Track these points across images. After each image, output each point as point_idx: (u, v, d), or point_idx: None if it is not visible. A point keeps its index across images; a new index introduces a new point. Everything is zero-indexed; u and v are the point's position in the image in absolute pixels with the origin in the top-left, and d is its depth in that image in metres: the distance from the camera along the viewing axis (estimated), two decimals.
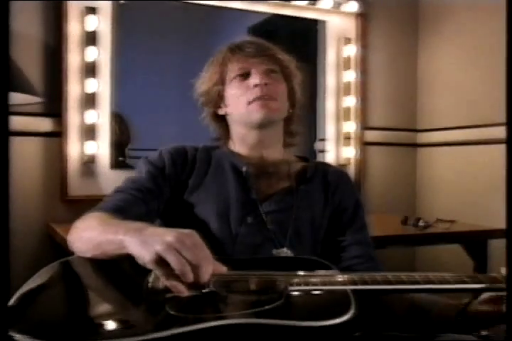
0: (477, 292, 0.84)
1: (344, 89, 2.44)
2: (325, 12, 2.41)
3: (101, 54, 2.01)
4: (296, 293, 0.77)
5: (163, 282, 0.77)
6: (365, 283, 0.80)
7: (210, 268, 0.77)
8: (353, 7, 2.42)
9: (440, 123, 2.55)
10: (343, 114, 2.44)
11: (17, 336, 0.63)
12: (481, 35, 2.34)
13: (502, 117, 1.00)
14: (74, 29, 1.97)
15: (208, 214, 1.08)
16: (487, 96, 2.29)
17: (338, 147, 2.45)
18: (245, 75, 1.11)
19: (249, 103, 1.09)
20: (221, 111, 1.17)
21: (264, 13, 2.34)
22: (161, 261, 0.75)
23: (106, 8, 2.03)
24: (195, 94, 1.19)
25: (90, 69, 1.99)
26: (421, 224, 1.93)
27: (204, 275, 0.76)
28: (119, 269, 0.89)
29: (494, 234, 1.93)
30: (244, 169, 1.12)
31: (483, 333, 0.89)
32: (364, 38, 2.46)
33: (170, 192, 1.10)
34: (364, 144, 2.48)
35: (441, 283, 0.80)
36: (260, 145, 1.15)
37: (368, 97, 2.50)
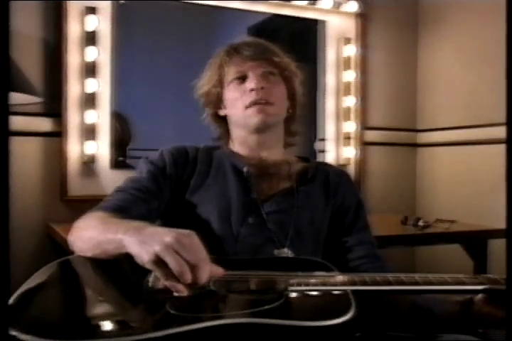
0: (477, 293, 0.85)
1: (344, 89, 2.44)
2: (325, 12, 2.41)
3: (101, 54, 2.01)
4: (296, 294, 0.77)
5: (163, 282, 0.77)
6: (365, 283, 0.80)
7: (208, 268, 0.77)
8: (353, 7, 2.42)
9: (440, 123, 2.55)
10: (343, 114, 2.44)
11: (18, 334, 0.63)
12: (480, 35, 2.34)
13: (502, 117, 0.99)
14: (74, 29, 1.97)
15: (210, 214, 1.08)
16: (487, 96, 2.29)
17: (338, 147, 2.45)
18: (242, 78, 1.11)
19: (246, 107, 1.10)
20: (222, 112, 1.17)
21: (264, 13, 2.34)
22: (159, 262, 0.75)
23: (106, 8, 2.03)
24: (195, 94, 1.19)
25: (90, 69, 1.99)
26: (421, 224, 1.93)
27: (202, 276, 0.76)
28: (119, 268, 0.89)
29: (494, 234, 1.93)
30: (245, 170, 1.12)
31: (481, 330, 0.89)
32: (364, 38, 2.46)
33: (171, 193, 1.10)
34: (364, 144, 2.48)
35: (440, 283, 0.80)
36: (260, 146, 1.15)
37: (368, 97, 2.50)
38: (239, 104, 1.11)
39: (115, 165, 2.07)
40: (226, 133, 1.20)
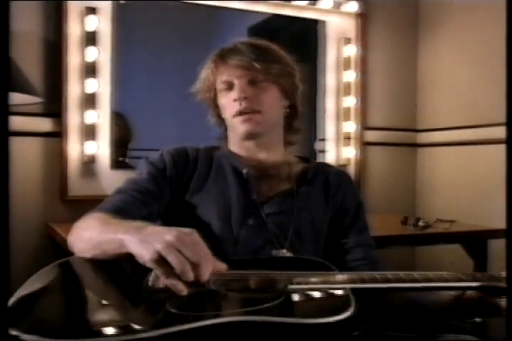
0: (475, 290, 0.86)
1: (344, 89, 2.44)
2: (325, 12, 2.41)
3: (101, 54, 2.01)
4: (295, 292, 0.78)
5: (163, 281, 0.78)
6: (364, 281, 0.81)
7: (210, 266, 0.78)
8: (353, 7, 2.43)
9: (440, 123, 2.55)
10: (343, 114, 2.44)
11: (18, 334, 0.63)
12: (480, 35, 2.34)
13: (502, 117, 1.00)
14: (74, 29, 1.97)
15: (210, 215, 1.08)
16: (487, 96, 2.29)
17: (338, 147, 2.45)
18: (230, 87, 1.11)
19: (233, 116, 1.11)
20: (222, 114, 1.18)
21: (264, 13, 2.34)
22: (160, 260, 0.75)
23: (106, 8, 2.03)
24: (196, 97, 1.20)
25: (90, 69, 1.99)
26: (421, 224, 1.93)
27: (204, 274, 0.76)
28: (119, 268, 0.89)
29: (494, 234, 1.93)
30: (244, 171, 1.12)
31: (478, 320, 0.90)
32: (364, 38, 2.46)
33: (171, 194, 1.10)
34: (364, 144, 2.48)
35: (439, 281, 0.82)
36: (258, 149, 1.15)
37: (368, 97, 2.50)
38: (228, 112, 1.12)
39: (115, 165, 2.07)
40: (226, 135, 1.20)
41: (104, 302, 0.77)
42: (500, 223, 0.91)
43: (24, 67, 1.77)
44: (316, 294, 0.78)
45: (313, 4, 2.37)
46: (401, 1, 2.62)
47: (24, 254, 1.86)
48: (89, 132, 2.00)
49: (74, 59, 1.98)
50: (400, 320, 0.98)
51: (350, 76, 2.44)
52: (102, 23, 2.01)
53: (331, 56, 2.44)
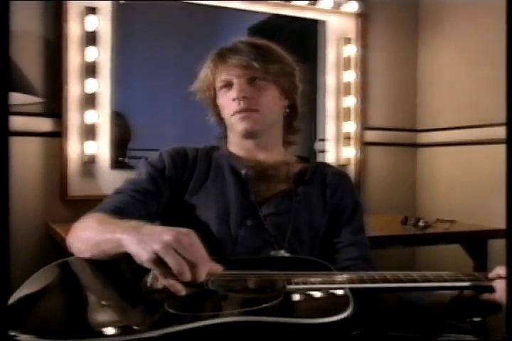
0: (473, 289, 0.86)
1: (344, 89, 2.44)
2: (325, 12, 2.41)
3: (101, 54, 2.01)
4: (294, 292, 0.78)
5: (161, 281, 0.78)
6: (363, 281, 0.81)
7: (207, 267, 0.78)
8: (353, 7, 2.42)
9: (440, 123, 2.55)
10: (343, 114, 2.44)
11: (17, 334, 0.63)
12: (480, 35, 2.34)
13: (502, 117, 1.00)
14: (74, 29, 1.97)
15: (209, 216, 1.08)
16: (487, 96, 2.29)
17: (338, 147, 2.45)
18: (229, 86, 1.11)
19: (232, 115, 1.11)
20: (221, 114, 1.18)
21: (264, 13, 2.34)
22: (158, 261, 0.75)
23: (106, 8, 2.03)
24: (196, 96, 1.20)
25: (90, 69, 1.99)
26: (421, 224, 1.93)
27: (201, 274, 0.76)
28: (117, 269, 0.89)
29: (494, 234, 1.93)
30: (243, 172, 1.12)
31: (476, 319, 0.90)
32: (364, 38, 2.46)
33: (170, 194, 1.10)
34: (364, 144, 2.48)
35: (438, 280, 0.82)
36: (257, 149, 1.15)
37: (368, 97, 2.50)
38: (227, 111, 1.12)
39: (115, 165, 2.07)
40: (226, 134, 1.20)
41: (102, 302, 0.77)
42: (500, 223, 0.91)
43: (24, 67, 1.77)
44: (315, 294, 0.78)
45: (313, 4, 2.37)
46: (401, 1, 2.62)
47: (24, 254, 1.86)
48: (89, 132, 1.99)
49: (74, 59, 1.97)
50: (398, 320, 0.98)
51: (350, 76, 2.44)
52: (102, 23, 2.01)
53: (331, 56, 2.44)
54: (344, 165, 2.41)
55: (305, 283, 0.80)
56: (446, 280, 0.83)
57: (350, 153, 2.45)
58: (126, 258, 0.81)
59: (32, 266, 0.87)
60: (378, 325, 0.94)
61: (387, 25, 2.58)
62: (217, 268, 0.83)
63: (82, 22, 1.98)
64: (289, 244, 1.08)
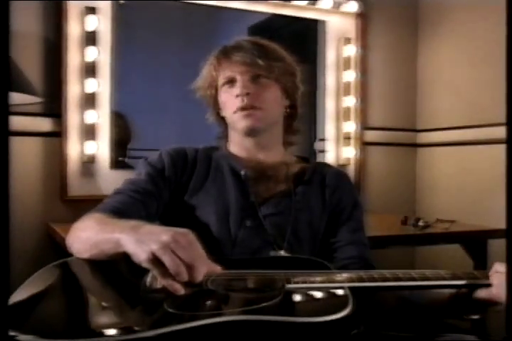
0: (472, 288, 0.86)
1: (344, 89, 2.44)
2: (325, 12, 2.41)
3: (101, 54, 2.01)
4: (293, 291, 0.78)
5: (159, 281, 0.78)
6: (362, 280, 0.81)
7: (205, 267, 0.78)
8: (353, 7, 2.43)
9: (440, 123, 2.55)
10: (343, 114, 2.44)
11: (17, 334, 0.64)
12: (480, 36, 2.34)
13: (502, 117, 1.00)
14: (74, 29, 1.97)
15: (208, 217, 1.08)
16: (487, 96, 2.29)
17: (338, 147, 2.45)
18: (232, 83, 1.11)
19: (234, 112, 1.10)
20: (221, 113, 1.17)
21: (264, 13, 2.34)
22: (156, 260, 0.75)
23: (106, 8, 2.03)
24: (196, 95, 1.20)
25: (90, 69, 1.99)
26: (421, 224, 1.93)
27: (198, 275, 0.76)
28: (117, 269, 0.89)
29: (494, 234, 1.93)
30: (242, 172, 1.12)
31: (475, 317, 0.91)
32: (364, 38, 2.46)
33: (169, 194, 1.10)
34: (364, 144, 2.48)
35: (436, 279, 0.83)
36: (257, 148, 1.15)
37: (368, 97, 2.50)
38: (229, 108, 1.12)
39: (115, 165, 2.07)
40: (226, 134, 1.20)
41: (102, 302, 0.77)
42: (500, 223, 0.91)
43: (24, 67, 1.77)
44: (314, 293, 0.78)
45: (313, 4, 2.37)
46: (401, 1, 2.62)
47: (24, 254, 1.86)
48: (89, 132, 1.99)
49: (74, 59, 1.97)
50: (396, 318, 0.98)
51: (350, 76, 2.44)
52: (101, 23, 2.01)
53: (330, 56, 2.44)
54: (344, 165, 2.41)
55: (304, 282, 0.80)
56: (444, 279, 0.83)
57: (349, 153, 2.45)
58: (126, 258, 0.81)
59: (32, 266, 0.87)
60: (377, 323, 0.94)
61: (386, 26, 2.58)
62: (216, 268, 0.83)
63: (82, 22, 1.98)
64: (288, 244, 1.08)
